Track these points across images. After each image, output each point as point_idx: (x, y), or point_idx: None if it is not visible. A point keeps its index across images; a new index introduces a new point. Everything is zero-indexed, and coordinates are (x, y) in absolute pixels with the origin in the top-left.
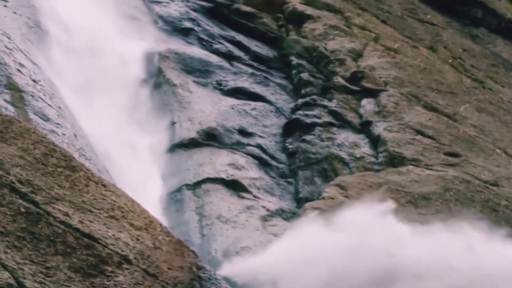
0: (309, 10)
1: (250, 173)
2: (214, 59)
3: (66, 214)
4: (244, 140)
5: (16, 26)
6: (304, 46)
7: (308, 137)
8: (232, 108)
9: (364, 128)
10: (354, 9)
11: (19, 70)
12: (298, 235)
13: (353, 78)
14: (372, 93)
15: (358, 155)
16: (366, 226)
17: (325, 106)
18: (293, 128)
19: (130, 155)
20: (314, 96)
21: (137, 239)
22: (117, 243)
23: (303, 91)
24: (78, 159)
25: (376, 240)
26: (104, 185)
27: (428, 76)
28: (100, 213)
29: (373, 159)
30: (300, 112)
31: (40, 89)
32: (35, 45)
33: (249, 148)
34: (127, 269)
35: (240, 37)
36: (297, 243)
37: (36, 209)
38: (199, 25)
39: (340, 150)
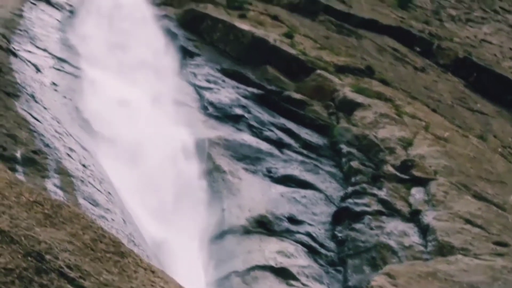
0: (359, 98)
1: (299, 260)
2: (264, 146)
3: None
4: (294, 227)
5: (66, 110)
6: (354, 134)
7: (357, 226)
8: (282, 196)
9: (414, 217)
10: (404, 97)
11: (68, 155)
12: None
13: (403, 166)
14: (422, 182)
15: (407, 244)
16: None
17: (374, 195)
18: (342, 216)
19: (180, 241)
20: (363, 185)
21: None
22: None
23: (353, 179)
24: (127, 244)
25: None
26: (152, 271)
27: (477, 165)
28: None
29: (422, 248)
30: (349, 200)
31: (89, 174)
32: (84, 130)
33: (298, 235)
34: None
35: (290, 125)
36: None
37: None
38: (249, 112)
39: (389, 238)
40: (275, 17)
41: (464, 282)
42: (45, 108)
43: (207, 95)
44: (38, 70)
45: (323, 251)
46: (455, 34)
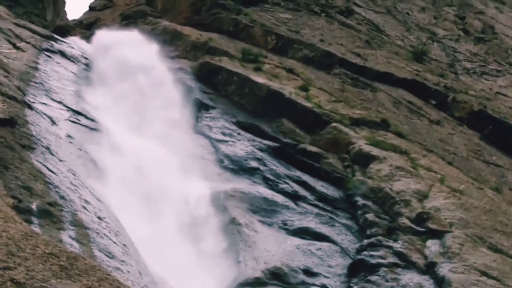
0: (375, 151)
1: None
2: (280, 198)
3: None
4: (309, 280)
5: (81, 162)
6: (369, 187)
7: (373, 278)
8: (298, 248)
9: (429, 269)
10: (420, 150)
11: (84, 207)
12: None
13: (419, 219)
14: (437, 234)
15: None
16: None
17: (390, 247)
18: (358, 268)
19: None
20: (379, 237)
21: None
22: None
23: (368, 232)
24: None
25: None
26: None
27: (493, 218)
28: None
29: None
30: (365, 252)
31: (105, 226)
32: (99, 182)
33: None
34: None
35: (305, 177)
36: None
37: None
38: (264, 165)
39: None
40: (290, 70)
41: None
42: (60, 160)
43: (223, 147)
44: (53, 122)
45: None
46: (470, 87)
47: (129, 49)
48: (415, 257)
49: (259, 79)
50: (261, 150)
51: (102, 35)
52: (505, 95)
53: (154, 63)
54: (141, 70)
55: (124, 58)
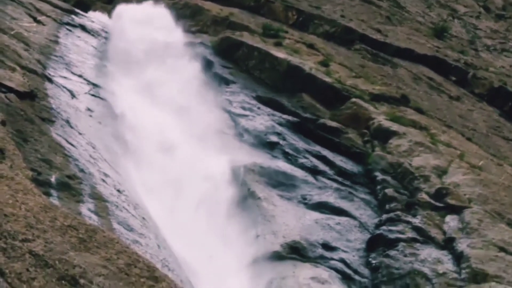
0: (394, 127)
1: (333, 287)
2: (299, 173)
3: None
4: (328, 254)
5: (100, 136)
6: (389, 162)
7: (391, 253)
8: (316, 223)
9: (448, 244)
10: (439, 126)
11: (103, 180)
12: None
13: (438, 194)
14: (456, 210)
15: (441, 271)
16: None
17: (409, 222)
18: (376, 243)
19: (214, 266)
20: (398, 212)
21: None
22: None
23: (387, 207)
24: (161, 269)
25: None
26: None
27: (511, 194)
28: None
29: (455, 275)
30: (384, 227)
31: (124, 199)
32: (119, 155)
33: (332, 262)
34: None
35: (325, 152)
36: None
37: None
38: (284, 139)
39: (423, 266)
40: (310, 46)
41: None
42: (80, 133)
43: (243, 122)
44: (73, 96)
45: (357, 277)
46: (490, 63)
47: (150, 24)
48: (434, 232)
49: (280, 54)
50: (280, 124)
51: (123, 10)
52: None
53: (175, 38)
54: (161, 44)
55: (144, 32)
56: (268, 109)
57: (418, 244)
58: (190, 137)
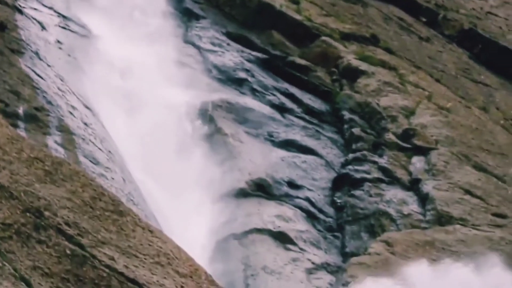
0: (363, 66)
1: (297, 225)
2: (267, 110)
3: (112, 258)
4: (293, 192)
5: (69, 68)
6: (357, 102)
7: (357, 192)
8: (282, 160)
9: (413, 185)
10: (408, 66)
11: (71, 113)
12: None
13: (405, 135)
14: (423, 151)
15: (406, 212)
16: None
17: (375, 162)
18: (342, 182)
19: (179, 202)
20: (364, 152)
21: (182, 286)
22: None
23: (354, 146)
24: (126, 203)
25: None
26: (150, 231)
27: (479, 137)
28: (145, 259)
29: (420, 217)
30: (350, 167)
31: (91, 132)
32: (87, 88)
33: (297, 200)
34: None
35: (293, 90)
36: None
37: (82, 252)
38: (253, 76)
39: (388, 206)
40: None
41: (461, 252)
42: (49, 65)
43: (212, 58)
44: (43, 27)
45: (321, 216)
46: (461, 5)
47: None
48: (400, 173)
49: None
50: (249, 61)
51: None
52: (495, 15)
53: None
54: None
55: None
56: (238, 46)
57: (383, 185)
58: (157, 70)
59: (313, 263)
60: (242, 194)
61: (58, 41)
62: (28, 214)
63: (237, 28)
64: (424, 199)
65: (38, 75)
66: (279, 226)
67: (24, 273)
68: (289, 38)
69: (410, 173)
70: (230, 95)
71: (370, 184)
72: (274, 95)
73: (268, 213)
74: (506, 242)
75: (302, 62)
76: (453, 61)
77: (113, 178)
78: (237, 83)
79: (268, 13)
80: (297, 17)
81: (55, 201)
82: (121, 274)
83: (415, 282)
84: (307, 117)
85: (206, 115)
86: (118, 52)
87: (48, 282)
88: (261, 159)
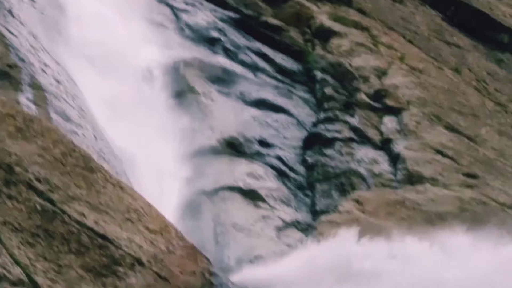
0: (336, 27)
1: (267, 183)
2: (239, 69)
3: (82, 214)
4: (264, 150)
5: (42, 26)
6: (329, 62)
7: (328, 151)
8: (254, 119)
9: (384, 145)
10: (381, 27)
11: (43, 70)
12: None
13: (376, 95)
14: (394, 112)
15: (376, 172)
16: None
17: (346, 122)
18: (313, 141)
19: (149, 159)
20: (336, 111)
21: (151, 243)
22: (131, 245)
23: (325, 106)
24: (97, 160)
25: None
26: (121, 187)
27: (451, 98)
28: (115, 215)
29: (391, 176)
30: (321, 126)
31: (63, 89)
32: (60, 46)
33: (268, 158)
34: (139, 271)
35: (265, 49)
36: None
37: (52, 207)
38: (225, 35)
39: (359, 165)
40: None
41: (432, 211)
42: (22, 23)
43: (184, 17)
44: None
45: (292, 174)
46: None
47: None
48: (371, 133)
49: None
50: (222, 21)
51: None
52: None
53: None
54: None
55: None
56: (211, 5)
57: (355, 144)
58: (129, 28)
59: (283, 221)
60: (213, 152)
61: None
62: None
63: None
64: (395, 159)
65: (11, 33)
66: (249, 184)
67: None
68: None
69: (381, 133)
70: (202, 54)
71: (341, 143)
72: (246, 54)
73: (239, 171)
74: (476, 202)
75: (275, 22)
76: (426, 23)
77: (84, 135)
78: (210, 42)
79: None
80: None
81: (26, 157)
82: (91, 229)
83: (384, 240)
84: (279, 76)
85: (178, 73)
86: (90, 10)
87: (18, 237)
88: (232, 118)
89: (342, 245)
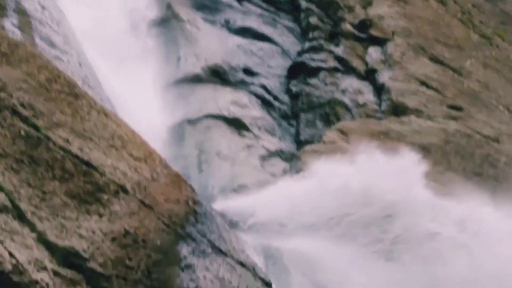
0: None
1: (252, 112)
2: None
3: (66, 140)
4: (249, 79)
5: None
6: None
7: (312, 81)
8: (239, 47)
9: (369, 75)
10: None
11: None
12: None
13: (361, 25)
14: (379, 42)
15: (361, 102)
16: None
17: (331, 52)
18: (298, 70)
19: (133, 87)
20: (321, 41)
21: (136, 170)
22: (115, 172)
23: (310, 35)
24: (82, 87)
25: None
26: (106, 114)
27: (436, 29)
28: (100, 142)
29: (376, 107)
30: (306, 55)
31: (48, 15)
32: None
33: (252, 87)
34: (123, 198)
35: None
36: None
37: (37, 133)
38: None
39: (344, 95)
40: None
41: (416, 142)
42: None
43: None
44: None
45: (276, 103)
46: None
47: None
48: (356, 63)
49: None
50: None
51: None
52: None
53: None
54: None
55: None
56: None
57: (339, 74)
58: None
59: (267, 150)
60: (197, 79)
61: None
62: None
63: None
64: (379, 89)
65: None
66: (234, 112)
67: None
68: None
69: (366, 63)
70: None
71: (326, 73)
72: None
73: (223, 99)
74: (460, 134)
75: None
76: None
77: (69, 61)
78: None
79: None
80: None
81: (10, 83)
82: (76, 156)
83: (367, 169)
84: (264, 5)
85: (163, 0)
86: None
87: (2, 163)
88: (217, 46)
89: (325, 174)
